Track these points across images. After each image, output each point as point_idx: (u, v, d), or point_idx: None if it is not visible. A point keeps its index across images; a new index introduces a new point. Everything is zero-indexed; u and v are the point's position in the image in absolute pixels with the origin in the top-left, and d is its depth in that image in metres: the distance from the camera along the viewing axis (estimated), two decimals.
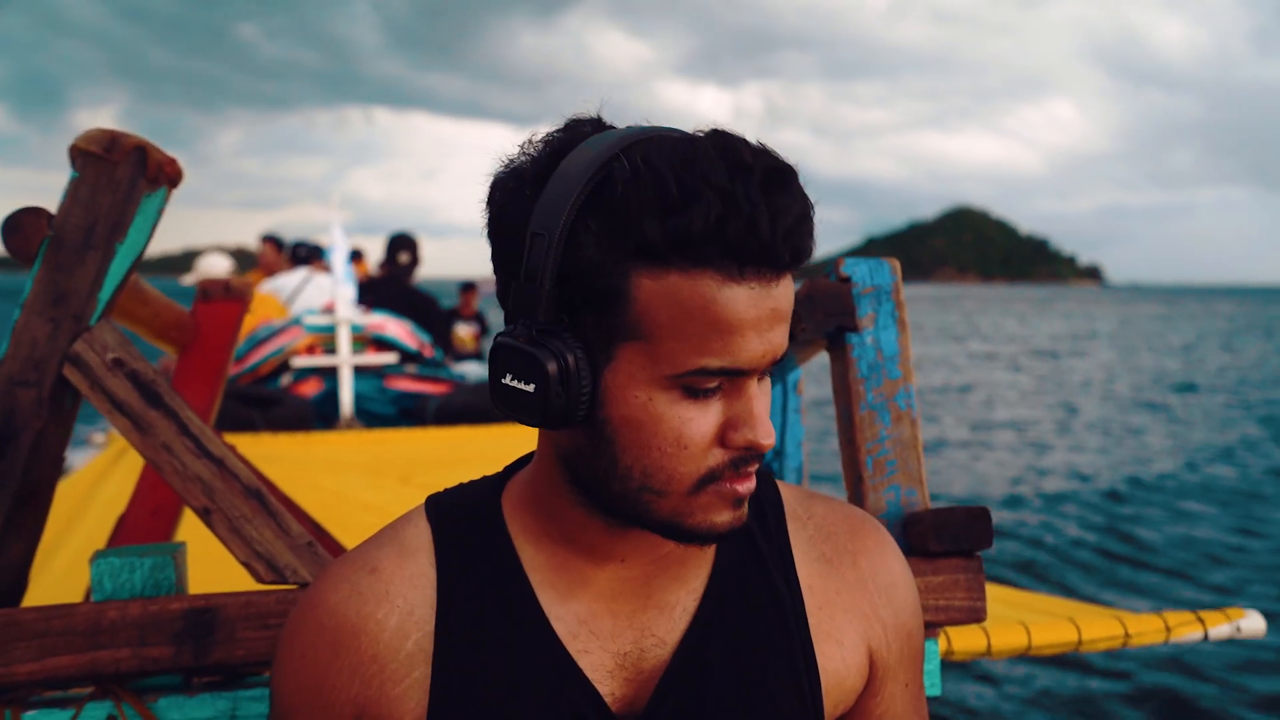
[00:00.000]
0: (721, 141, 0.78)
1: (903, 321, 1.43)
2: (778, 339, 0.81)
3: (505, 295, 0.85)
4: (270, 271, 7.55)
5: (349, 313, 5.45)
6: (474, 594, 0.91)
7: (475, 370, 6.64)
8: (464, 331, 10.85)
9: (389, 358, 5.62)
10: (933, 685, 1.35)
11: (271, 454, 4.16)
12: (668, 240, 0.75)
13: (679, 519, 0.84)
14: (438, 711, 0.88)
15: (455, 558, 0.92)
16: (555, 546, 0.92)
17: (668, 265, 0.77)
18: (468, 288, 11.03)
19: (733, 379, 0.81)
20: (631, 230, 0.76)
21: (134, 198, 1.29)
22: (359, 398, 5.37)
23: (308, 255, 7.09)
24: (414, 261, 7.07)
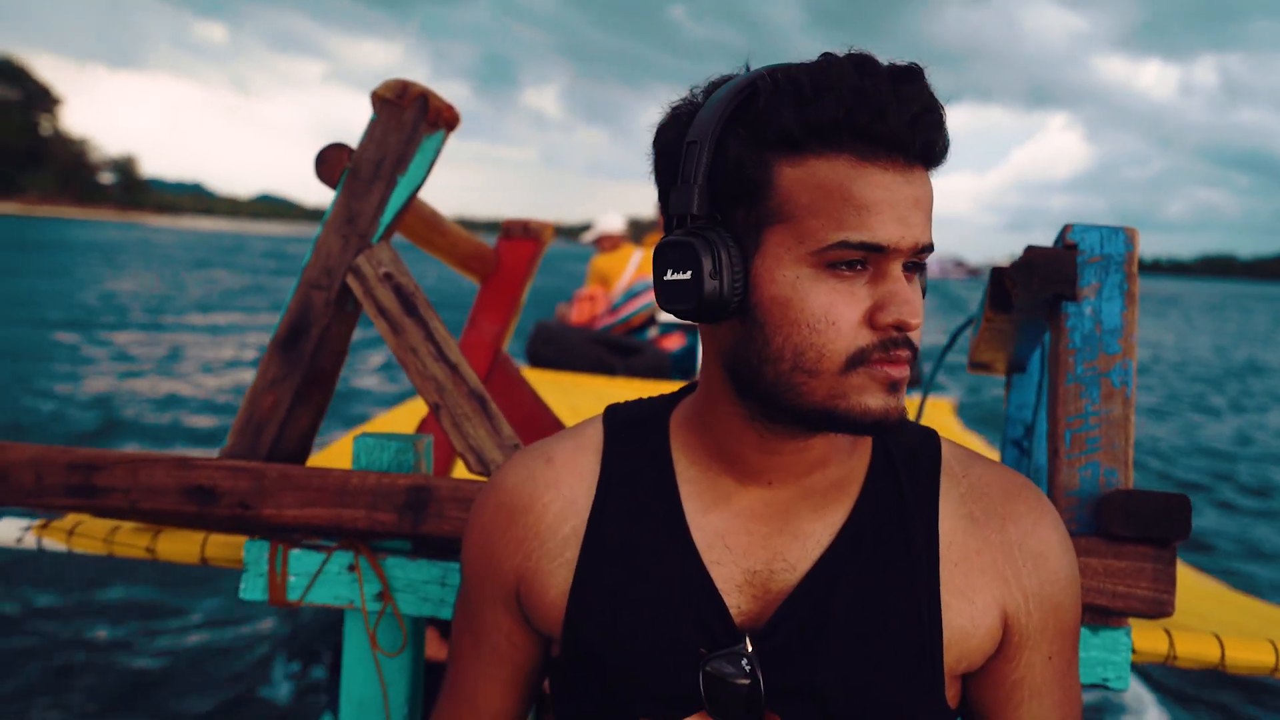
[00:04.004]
0: (855, 53, 0.86)
1: (1131, 295, 1.34)
2: (916, 225, 0.85)
3: (665, 215, 0.94)
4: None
5: None
6: (629, 495, 1.01)
7: None
8: None
9: None
10: (1120, 678, 1.28)
11: (620, 397, 4.50)
12: (803, 128, 0.84)
13: (833, 402, 0.87)
14: (577, 591, 1.00)
15: (618, 461, 1.03)
16: (708, 461, 1.00)
17: (805, 152, 0.84)
18: None
19: (878, 263, 0.86)
20: (771, 124, 0.85)
21: (416, 138, 1.53)
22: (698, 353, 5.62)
23: None
24: None
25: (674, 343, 5.68)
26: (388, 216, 1.53)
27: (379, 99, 1.53)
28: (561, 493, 1.03)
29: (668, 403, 1.07)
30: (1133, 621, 1.38)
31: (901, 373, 0.87)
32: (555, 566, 1.01)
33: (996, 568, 0.97)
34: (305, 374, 1.51)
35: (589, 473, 1.03)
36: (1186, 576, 2.46)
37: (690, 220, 0.88)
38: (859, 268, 0.86)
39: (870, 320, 0.86)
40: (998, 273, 1.43)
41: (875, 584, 0.95)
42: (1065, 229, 1.38)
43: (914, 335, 0.88)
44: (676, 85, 0.92)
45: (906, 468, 1.00)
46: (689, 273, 0.87)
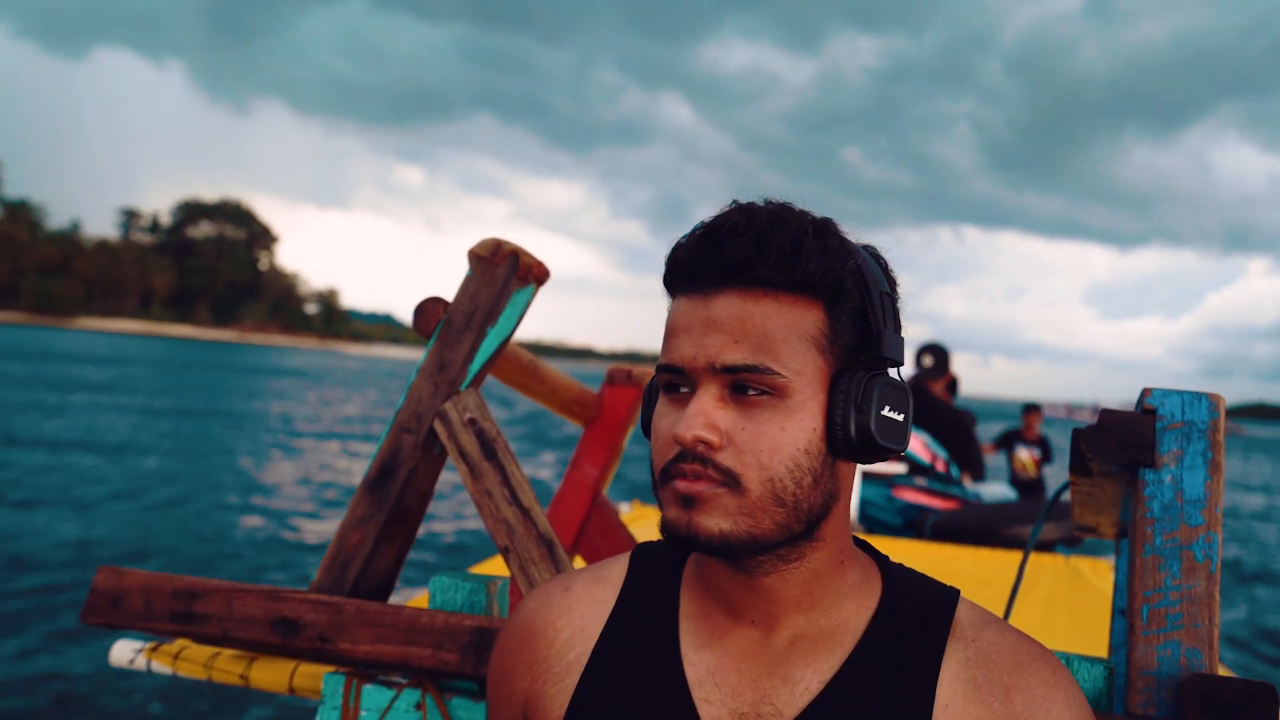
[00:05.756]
0: (766, 203, 0.94)
1: (1215, 464, 1.27)
2: (711, 345, 0.89)
3: None
4: None
5: None
6: (634, 628, 1.04)
7: (994, 491, 6.39)
8: (1025, 455, 10.40)
9: (898, 467, 5.67)
10: None
11: None
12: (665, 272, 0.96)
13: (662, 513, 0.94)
14: (571, 718, 1.01)
15: (633, 596, 1.06)
16: (704, 598, 1.02)
17: (670, 291, 0.96)
18: (1031, 409, 10.61)
19: (692, 384, 0.91)
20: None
21: (507, 292, 1.62)
22: (865, 503, 5.48)
23: None
24: (938, 368, 6.99)
25: None
26: (476, 365, 1.61)
27: (474, 256, 1.63)
28: (573, 620, 1.05)
29: None
30: None
31: (690, 488, 0.88)
32: (556, 691, 1.02)
33: None
34: (391, 513, 1.58)
35: (603, 605, 1.06)
36: None
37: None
38: (682, 390, 0.91)
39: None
40: (1075, 435, 1.39)
41: None
42: (1144, 393, 1.33)
43: (729, 455, 0.88)
44: (850, 226, 0.96)
45: (913, 624, 0.98)
46: None
